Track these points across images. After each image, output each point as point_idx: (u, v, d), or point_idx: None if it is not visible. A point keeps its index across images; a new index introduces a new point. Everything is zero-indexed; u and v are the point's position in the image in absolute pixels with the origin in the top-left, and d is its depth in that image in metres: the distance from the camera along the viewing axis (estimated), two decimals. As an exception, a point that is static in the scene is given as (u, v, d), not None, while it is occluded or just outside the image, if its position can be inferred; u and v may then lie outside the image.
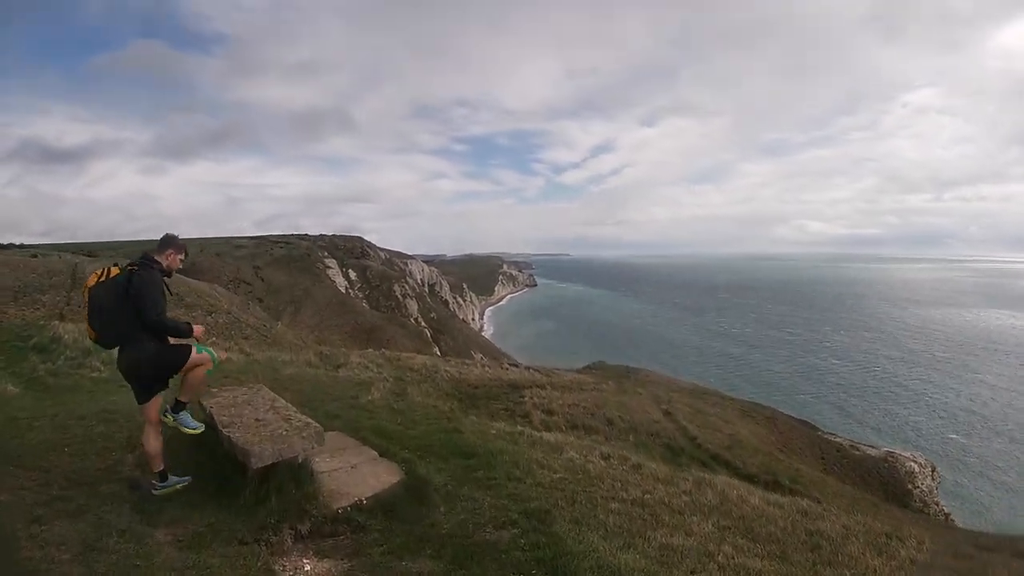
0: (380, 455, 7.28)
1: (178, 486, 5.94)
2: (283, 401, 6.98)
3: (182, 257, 6.08)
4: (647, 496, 7.82)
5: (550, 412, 16.69)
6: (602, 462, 9.41)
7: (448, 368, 20.28)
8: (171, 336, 5.79)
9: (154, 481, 5.90)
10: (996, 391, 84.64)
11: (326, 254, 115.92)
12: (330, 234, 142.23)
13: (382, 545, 5.37)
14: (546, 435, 10.75)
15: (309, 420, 6.25)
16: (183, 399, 6.34)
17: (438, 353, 76.60)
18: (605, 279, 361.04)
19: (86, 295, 5.55)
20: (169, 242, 5.97)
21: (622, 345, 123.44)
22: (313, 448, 5.91)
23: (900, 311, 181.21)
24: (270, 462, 5.56)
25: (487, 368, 23.19)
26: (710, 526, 7.01)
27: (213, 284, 65.58)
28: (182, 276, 64.92)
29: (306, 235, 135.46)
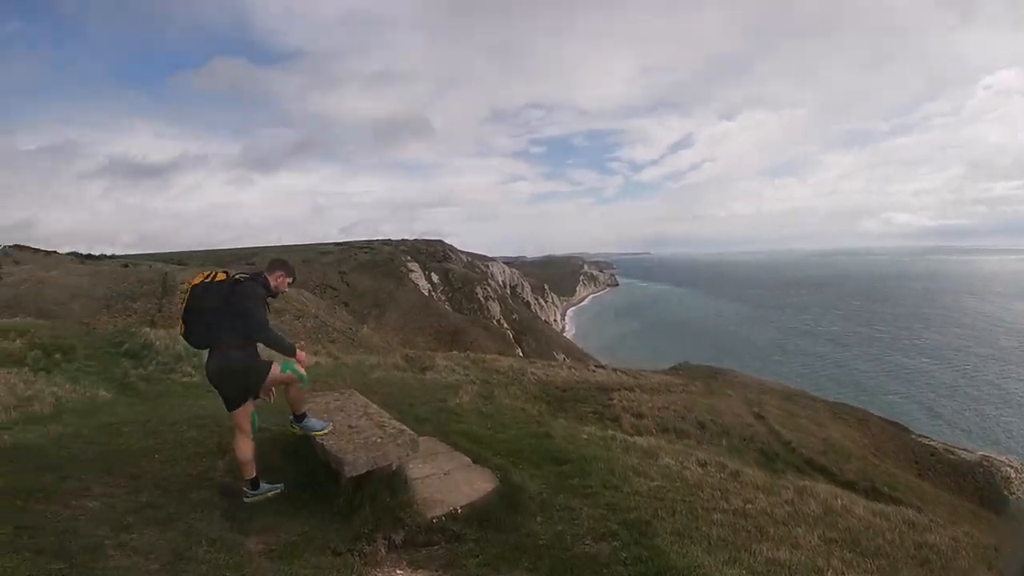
0: (473, 461, 7.07)
1: (270, 494, 5.84)
2: (375, 406, 6.85)
3: (290, 281, 6.14)
4: (748, 506, 7.52)
5: (640, 415, 16.24)
6: (699, 469, 9.07)
7: (534, 370, 19.94)
8: (272, 348, 5.76)
9: (246, 488, 5.81)
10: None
11: (409, 258, 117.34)
12: (412, 238, 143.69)
13: (477, 556, 5.14)
14: (639, 440, 10.39)
15: (403, 426, 6.08)
16: (298, 412, 6.37)
17: (520, 354, 76.51)
18: (687, 277, 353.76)
19: (187, 292, 5.62)
20: (280, 265, 6.06)
21: (705, 345, 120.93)
22: (407, 456, 5.75)
23: (990, 305, 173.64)
24: (364, 471, 5.41)
25: (574, 370, 22.77)
26: (816, 539, 6.72)
27: (300, 290, 66.96)
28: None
29: (389, 240, 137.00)
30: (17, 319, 24.57)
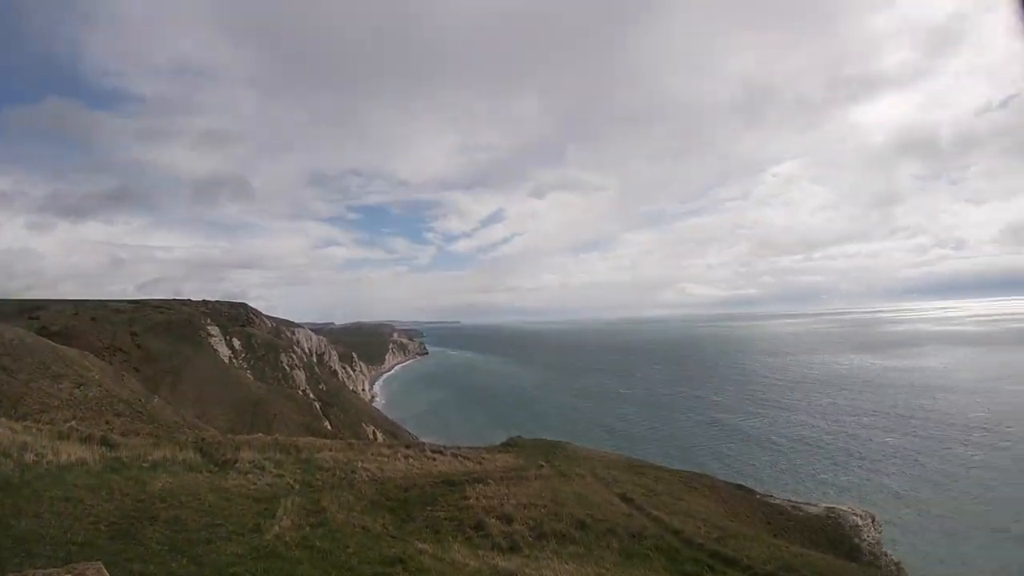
0: None
1: None
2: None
3: None
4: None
5: (508, 519, 13.23)
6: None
7: (366, 464, 16.40)
8: None
9: None
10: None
11: (209, 321, 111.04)
12: (214, 300, 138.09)
13: None
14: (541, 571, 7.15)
15: None
16: None
17: (329, 426, 73.62)
18: (496, 346, 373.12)
19: None
20: None
21: (515, 412, 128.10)
22: None
23: (776, 360, 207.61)
24: None
25: (411, 460, 19.16)
26: None
27: (85, 352, 59.94)
28: (50, 342, 59.17)
29: (189, 300, 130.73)
30: None
